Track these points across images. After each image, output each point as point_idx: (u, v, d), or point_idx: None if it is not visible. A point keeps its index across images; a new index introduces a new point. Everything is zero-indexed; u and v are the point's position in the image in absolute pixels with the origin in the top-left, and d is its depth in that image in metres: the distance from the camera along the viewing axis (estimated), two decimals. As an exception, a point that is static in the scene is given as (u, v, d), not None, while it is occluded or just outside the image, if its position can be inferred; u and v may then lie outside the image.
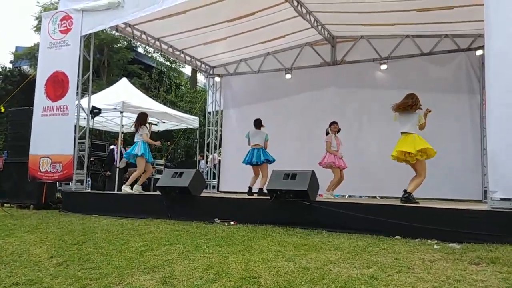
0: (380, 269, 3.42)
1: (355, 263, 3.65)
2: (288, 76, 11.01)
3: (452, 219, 4.90)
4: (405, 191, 6.00)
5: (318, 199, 6.33)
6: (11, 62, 23.82)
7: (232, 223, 6.13)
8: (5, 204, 9.06)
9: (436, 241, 4.65)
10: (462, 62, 9.15)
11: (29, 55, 20.93)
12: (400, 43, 9.68)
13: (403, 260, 3.72)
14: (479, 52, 8.71)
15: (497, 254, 3.91)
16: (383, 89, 9.74)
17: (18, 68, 23.08)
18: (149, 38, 10.01)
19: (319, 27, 9.54)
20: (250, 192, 8.30)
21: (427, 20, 8.59)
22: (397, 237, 4.96)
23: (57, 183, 8.89)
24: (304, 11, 8.67)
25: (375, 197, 9.66)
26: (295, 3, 8.24)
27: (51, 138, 8.33)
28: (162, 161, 13.90)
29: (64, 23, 8.54)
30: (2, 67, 22.23)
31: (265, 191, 6.92)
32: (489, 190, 4.92)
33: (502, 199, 4.78)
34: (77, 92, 8.34)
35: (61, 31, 8.57)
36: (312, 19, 9.10)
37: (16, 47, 24.11)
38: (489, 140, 5.00)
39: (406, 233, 4.96)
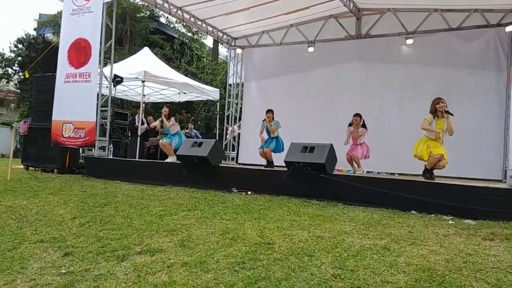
0: (393, 240, 3.45)
1: (368, 234, 3.69)
2: (311, 49, 10.82)
3: (469, 196, 4.88)
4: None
5: (335, 172, 6.35)
6: (35, 29, 23.95)
7: (249, 193, 6.23)
8: (30, 168, 9.38)
9: (451, 217, 4.65)
10: (491, 38, 8.81)
11: (53, 22, 21.02)
12: (427, 17, 9.36)
13: (417, 234, 3.73)
14: (509, 28, 8.41)
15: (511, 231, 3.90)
16: (408, 64, 9.55)
17: (42, 35, 23.26)
18: (171, 7, 9.94)
19: (344, -1, 9.32)
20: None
21: (456, -7, 8.29)
22: (413, 212, 4.97)
23: (80, 149, 9.11)
24: (329, -19, 8.47)
25: (393, 174, 9.58)
26: (320, -27, 8.06)
27: (74, 105, 8.50)
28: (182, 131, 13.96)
29: (87, -11, 8.56)
30: (26, 35, 22.49)
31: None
32: (508, 169, 4.85)
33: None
34: (100, 60, 8.43)
35: (84, -3, 8.61)
36: (338, -11, 8.89)
37: (40, 15, 24.22)
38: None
39: (422, 208, 4.97)
